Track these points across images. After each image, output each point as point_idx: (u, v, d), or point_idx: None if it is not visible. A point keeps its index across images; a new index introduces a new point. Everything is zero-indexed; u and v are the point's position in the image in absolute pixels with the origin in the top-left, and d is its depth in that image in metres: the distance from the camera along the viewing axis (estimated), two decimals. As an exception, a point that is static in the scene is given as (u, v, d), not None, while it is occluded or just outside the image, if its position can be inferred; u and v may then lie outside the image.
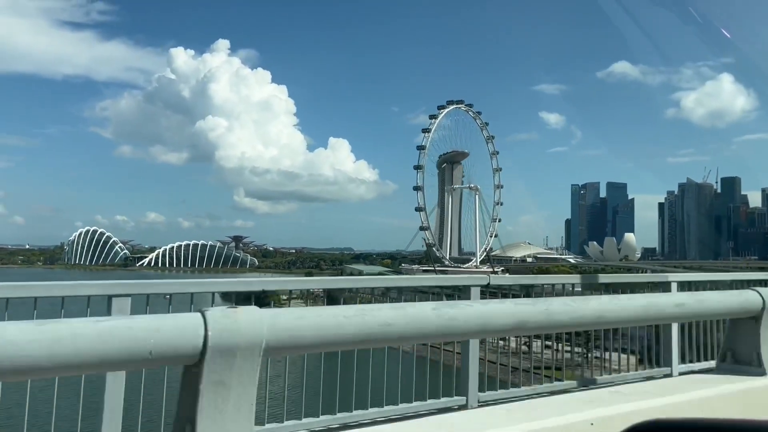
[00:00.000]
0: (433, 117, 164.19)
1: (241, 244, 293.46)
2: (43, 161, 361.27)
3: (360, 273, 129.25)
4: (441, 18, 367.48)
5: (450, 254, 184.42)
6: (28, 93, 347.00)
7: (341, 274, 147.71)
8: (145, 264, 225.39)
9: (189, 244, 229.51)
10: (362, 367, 7.45)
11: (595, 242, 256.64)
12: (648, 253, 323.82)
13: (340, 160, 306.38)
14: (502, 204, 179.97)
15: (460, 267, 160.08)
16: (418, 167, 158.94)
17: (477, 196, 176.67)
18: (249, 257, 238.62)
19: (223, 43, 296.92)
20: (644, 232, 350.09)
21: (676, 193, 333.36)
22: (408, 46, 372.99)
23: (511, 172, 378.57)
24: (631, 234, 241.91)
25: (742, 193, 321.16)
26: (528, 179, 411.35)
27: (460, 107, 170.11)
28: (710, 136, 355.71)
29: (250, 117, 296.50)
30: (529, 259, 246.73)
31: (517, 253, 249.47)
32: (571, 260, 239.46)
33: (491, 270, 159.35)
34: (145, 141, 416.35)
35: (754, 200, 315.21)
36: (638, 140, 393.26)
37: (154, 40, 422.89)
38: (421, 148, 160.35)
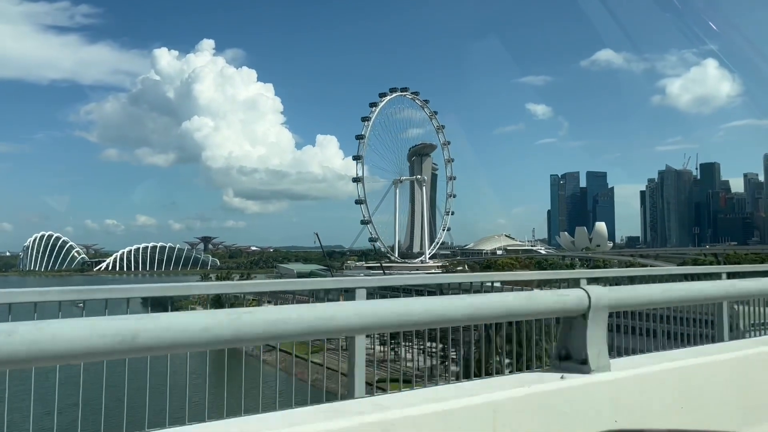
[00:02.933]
0: (373, 105, 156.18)
1: (210, 245, 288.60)
2: (31, 167, 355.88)
3: (288, 272, 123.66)
4: (423, 14, 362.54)
5: (410, 249, 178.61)
6: (15, 98, 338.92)
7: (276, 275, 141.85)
8: (102, 268, 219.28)
9: (148, 247, 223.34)
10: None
11: (566, 232, 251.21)
12: (632, 242, 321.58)
13: (329, 158, 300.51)
14: (455, 196, 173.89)
15: (406, 263, 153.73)
16: (357, 158, 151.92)
17: (424, 188, 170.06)
18: (210, 258, 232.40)
19: (208, 43, 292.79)
20: (629, 220, 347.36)
21: (656, 180, 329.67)
22: (393, 41, 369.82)
23: (498, 165, 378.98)
24: (602, 223, 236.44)
25: (724, 178, 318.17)
26: (516, 171, 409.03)
27: (404, 95, 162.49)
28: (696, 123, 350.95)
29: (237, 116, 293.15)
30: (498, 252, 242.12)
31: (489, 246, 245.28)
32: (542, 251, 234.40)
33: (438, 265, 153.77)
34: (130, 143, 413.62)
35: (737, 186, 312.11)
36: (625, 129, 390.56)
37: (140, 42, 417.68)
38: (360, 137, 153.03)
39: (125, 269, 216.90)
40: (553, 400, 3.45)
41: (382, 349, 11.71)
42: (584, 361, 3.67)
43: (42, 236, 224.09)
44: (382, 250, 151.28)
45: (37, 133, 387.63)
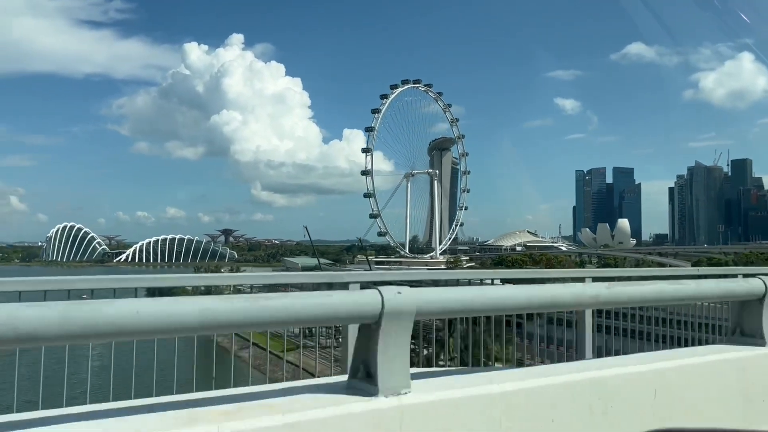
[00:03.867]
0: (384, 97, 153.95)
1: (231, 237, 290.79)
2: (66, 160, 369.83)
3: (293, 266, 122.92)
4: (452, 8, 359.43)
5: (430, 244, 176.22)
6: (51, 92, 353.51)
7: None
8: (122, 260, 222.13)
9: (167, 239, 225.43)
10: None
11: (587, 229, 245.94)
12: (660, 239, 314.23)
13: (355, 152, 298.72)
14: (469, 191, 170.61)
15: (416, 258, 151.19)
16: (366, 150, 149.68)
17: (436, 182, 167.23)
18: (228, 251, 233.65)
19: (237, 38, 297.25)
20: (658, 217, 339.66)
21: (685, 177, 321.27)
22: (421, 36, 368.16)
23: (527, 160, 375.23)
24: (625, 220, 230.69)
25: (757, 175, 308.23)
26: (544, 166, 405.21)
27: (417, 87, 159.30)
28: (731, 118, 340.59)
29: (265, 110, 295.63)
30: (518, 248, 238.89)
31: (509, 242, 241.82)
32: (563, 248, 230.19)
33: (445, 261, 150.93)
34: (161, 137, 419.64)
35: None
36: (657, 124, 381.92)
37: (171, 37, 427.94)
38: (369, 129, 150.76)
39: (143, 261, 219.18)
40: None
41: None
42: (373, 380, 2.89)
43: (64, 227, 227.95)
44: (391, 244, 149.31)
45: (72, 126, 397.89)
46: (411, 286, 3.12)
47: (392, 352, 2.91)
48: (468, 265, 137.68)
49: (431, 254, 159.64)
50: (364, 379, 2.93)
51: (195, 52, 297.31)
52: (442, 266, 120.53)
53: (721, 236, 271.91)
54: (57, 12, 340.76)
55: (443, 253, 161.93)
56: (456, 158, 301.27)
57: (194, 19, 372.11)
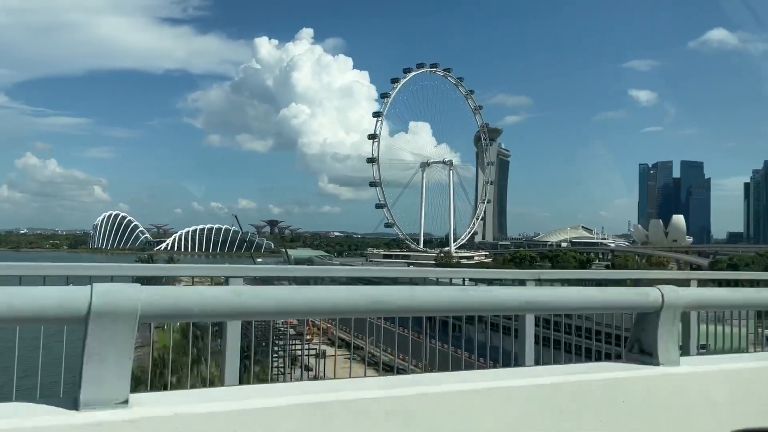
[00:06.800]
0: (395, 81, 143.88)
1: (276, 228, 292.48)
2: (145, 151, 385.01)
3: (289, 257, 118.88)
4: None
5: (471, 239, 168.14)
6: (133, 88, 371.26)
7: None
8: (162, 248, 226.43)
9: (204, 228, 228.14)
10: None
11: (639, 225, 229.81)
12: (734, 238, 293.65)
13: (421, 145, 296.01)
14: (492, 183, 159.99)
15: (428, 252, 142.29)
16: (372, 136, 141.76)
17: (450, 172, 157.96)
18: (265, 241, 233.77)
19: (307, 32, 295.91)
20: (731, 214, 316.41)
21: (761, 171, 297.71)
22: (488, 28, 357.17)
23: (598, 153, 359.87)
24: (680, 216, 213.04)
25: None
26: (617, 160, 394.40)
27: (435, 71, 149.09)
28: None
29: (332, 103, 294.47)
30: (563, 244, 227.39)
31: (556, 238, 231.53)
32: (611, 245, 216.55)
33: (459, 256, 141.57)
34: (232, 130, 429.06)
35: None
36: (740, 117, 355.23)
37: (245, 33, 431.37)
38: (377, 114, 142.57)
39: (182, 249, 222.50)
40: None
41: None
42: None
43: (110, 215, 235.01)
44: (400, 236, 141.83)
45: (152, 120, 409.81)
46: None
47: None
48: (475, 261, 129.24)
49: (448, 248, 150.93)
50: None
51: (265, 46, 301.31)
52: (432, 261, 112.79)
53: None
54: (139, 10, 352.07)
55: (461, 247, 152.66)
56: (506, 150, 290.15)
57: (267, 14, 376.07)
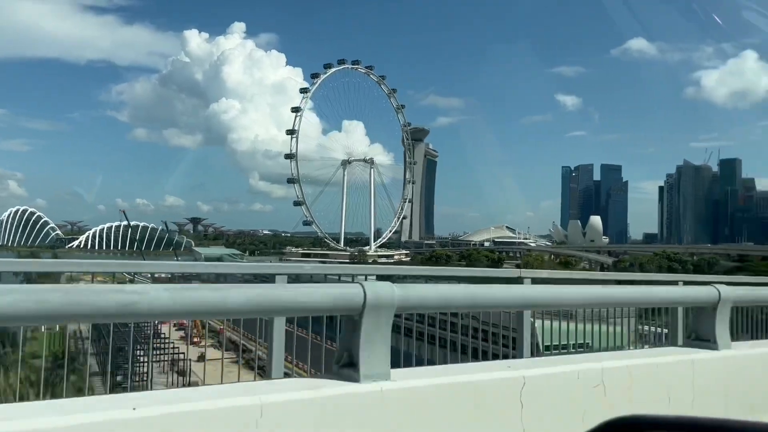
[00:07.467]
0: (315, 76, 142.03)
1: (200, 226, 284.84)
2: (66, 145, 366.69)
3: (198, 256, 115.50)
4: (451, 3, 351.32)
5: (400, 237, 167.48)
6: (54, 78, 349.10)
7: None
8: (74, 246, 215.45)
9: (121, 225, 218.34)
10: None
11: (559, 225, 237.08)
12: (649, 239, 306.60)
13: (354, 144, 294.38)
14: (414, 183, 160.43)
15: (346, 250, 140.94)
16: (291, 132, 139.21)
17: (372, 170, 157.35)
18: (185, 239, 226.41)
19: (239, 26, 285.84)
20: (647, 216, 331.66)
21: (674, 176, 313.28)
22: (424, 30, 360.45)
23: (525, 155, 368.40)
24: (597, 217, 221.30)
25: (749, 176, 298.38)
26: (542, 162, 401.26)
27: (357, 68, 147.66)
28: (733, 118, 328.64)
29: (264, 99, 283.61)
30: (486, 244, 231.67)
31: (480, 237, 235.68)
32: (532, 245, 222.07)
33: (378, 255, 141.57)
34: (159, 124, 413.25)
35: (765, 185, 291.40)
36: (658, 123, 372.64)
37: (174, 25, 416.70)
38: (295, 110, 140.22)
39: (96, 248, 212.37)
40: None
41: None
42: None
43: (17, 210, 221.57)
44: (319, 234, 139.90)
45: (73, 112, 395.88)
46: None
47: None
48: (395, 259, 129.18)
49: (367, 247, 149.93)
50: None
51: (195, 39, 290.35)
52: (346, 260, 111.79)
53: (723, 237, 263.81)
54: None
55: (382, 246, 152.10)
56: (434, 150, 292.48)
57: (198, 6, 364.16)
